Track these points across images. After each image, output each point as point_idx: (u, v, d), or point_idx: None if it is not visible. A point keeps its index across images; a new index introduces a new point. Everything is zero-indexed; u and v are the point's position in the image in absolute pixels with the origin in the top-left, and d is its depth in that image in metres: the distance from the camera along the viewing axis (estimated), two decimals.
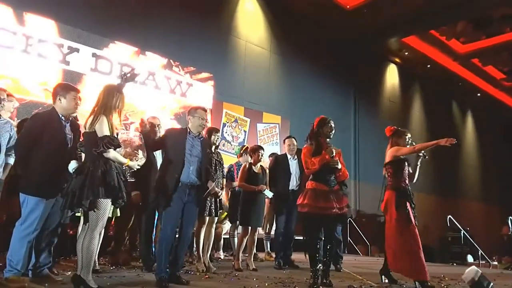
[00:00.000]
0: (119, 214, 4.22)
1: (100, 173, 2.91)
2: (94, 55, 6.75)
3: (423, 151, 4.16)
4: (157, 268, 3.51)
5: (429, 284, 3.79)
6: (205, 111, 3.93)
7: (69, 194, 2.91)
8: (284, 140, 5.71)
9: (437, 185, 13.24)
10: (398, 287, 3.97)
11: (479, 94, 15.74)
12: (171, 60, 7.80)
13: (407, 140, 4.21)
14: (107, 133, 3.01)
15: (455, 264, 7.54)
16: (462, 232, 8.47)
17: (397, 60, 13.71)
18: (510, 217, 9.15)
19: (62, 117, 3.32)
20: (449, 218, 8.07)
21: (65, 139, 3.29)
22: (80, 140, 3.58)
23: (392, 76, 13.82)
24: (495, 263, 8.71)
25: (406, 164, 4.17)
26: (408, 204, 3.97)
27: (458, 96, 15.99)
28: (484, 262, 8.13)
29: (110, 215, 4.05)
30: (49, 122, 3.26)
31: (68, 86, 3.51)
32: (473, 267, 3.77)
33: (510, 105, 16.77)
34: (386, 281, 4.10)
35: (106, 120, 3.06)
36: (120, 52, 7.13)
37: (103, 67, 6.87)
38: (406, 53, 13.10)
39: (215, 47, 9.03)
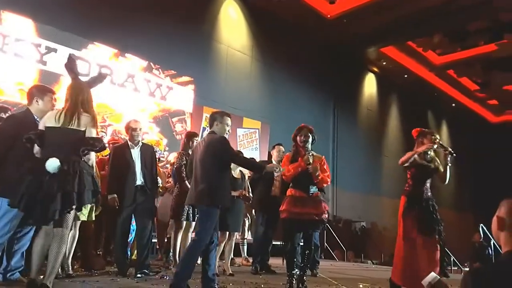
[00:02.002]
0: (94, 218, 4.14)
1: (88, 174, 2.89)
2: (71, 55, 6.64)
3: (449, 149, 3.89)
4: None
5: None
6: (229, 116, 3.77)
7: (70, 193, 2.76)
8: (274, 146, 5.73)
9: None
10: None
11: (453, 104, 16.21)
12: (151, 63, 7.76)
13: (433, 139, 3.90)
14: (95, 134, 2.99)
15: None
16: None
17: (376, 69, 14.00)
18: (481, 224, 9.42)
19: (37, 119, 3.27)
20: None
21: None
22: None
23: (370, 85, 14.09)
24: (467, 269, 8.94)
25: (428, 170, 3.88)
26: (417, 213, 3.74)
27: (433, 105, 16.43)
28: (456, 268, 8.34)
29: (85, 219, 3.98)
30: (24, 123, 3.20)
31: (44, 88, 3.48)
32: (432, 273, 3.71)
33: (482, 115, 17.33)
34: None
35: None
36: (99, 53, 7.05)
37: (81, 68, 6.74)
38: (384, 63, 13.40)
39: (197, 51, 9.04)
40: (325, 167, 4.05)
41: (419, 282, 3.68)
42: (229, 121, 3.67)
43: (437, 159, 4.02)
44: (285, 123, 8.84)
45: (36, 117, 3.26)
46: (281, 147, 5.55)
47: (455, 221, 15.63)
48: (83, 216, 3.92)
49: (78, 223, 3.95)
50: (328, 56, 12.01)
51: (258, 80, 10.47)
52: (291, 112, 10.26)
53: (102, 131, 6.77)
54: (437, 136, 3.98)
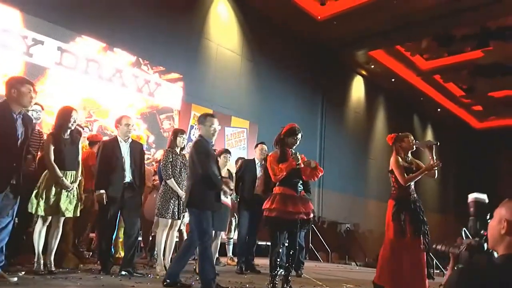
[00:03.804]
0: (78, 214, 4.07)
1: None
2: (59, 48, 6.54)
3: (431, 141, 3.98)
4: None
5: None
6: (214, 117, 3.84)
7: None
8: (257, 145, 5.75)
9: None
10: None
11: (439, 109, 16.45)
12: (140, 58, 7.68)
13: (411, 142, 3.99)
14: None
15: None
16: None
17: (364, 72, 14.12)
18: (464, 228, 9.54)
19: (14, 111, 3.22)
20: None
21: (15, 133, 3.21)
22: (35, 134, 3.56)
23: (358, 87, 14.21)
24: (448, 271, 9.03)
25: (411, 173, 3.91)
26: (406, 216, 3.78)
27: (419, 110, 16.65)
28: (438, 271, 8.46)
29: (71, 215, 3.91)
30: (0, 115, 3.18)
31: (23, 79, 3.45)
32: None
33: (467, 121, 17.62)
34: None
35: None
36: (86, 47, 6.94)
37: (68, 61, 6.66)
38: (373, 66, 13.52)
39: (186, 48, 8.97)
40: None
41: (405, 284, 3.73)
42: (213, 122, 3.71)
43: (416, 160, 4.07)
44: (273, 123, 8.82)
45: (12, 109, 3.22)
46: (264, 145, 5.57)
47: (438, 224, 15.87)
48: (69, 212, 3.86)
49: (62, 219, 3.89)
50: (317, 57, 12.06)
51: (248, 79, 10.46)
52: (279, 112, 10.27)
53: (87, 127, 6.68)
54: (412, 138, 4.04)
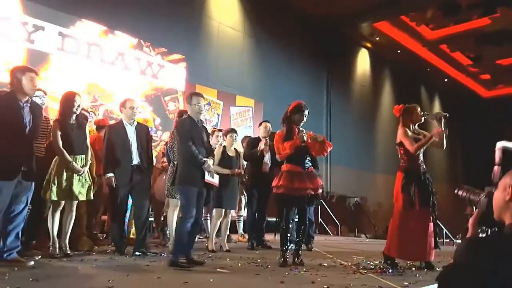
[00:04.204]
0: (92, 198, 4.12)
1: None
2: (60, 33, 6.50)
3: (441, 112, 3.99)
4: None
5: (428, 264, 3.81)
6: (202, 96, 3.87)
7: None
8: (260, 124, 5.76)
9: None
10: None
11: (446, 80, 16.21)
12: (141, 40, 7.62)
13: (419, 114, 3.98)
14: None
15: None
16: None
17: (369, 45, 13.89)
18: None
19: (21, 99, 3.26)
20: None
21: (23, 121, 3.27)
22: (44, 122, 3.61)
23: (363, 61, 14.01)
24: (459, 241, 9.14)
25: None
26: (415, 188, 3.81)
27: (426, 81, 16.41)
28: (448, 240, 8.52)
29: (84, 198, 3.97)
30: (7, 104, 3.25)
31: (24, 68, 3.49)
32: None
33: (474, 90, 17.38)
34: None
35: None
36: (87, 31, 6.90)
37: (70, 46, 6.64)
38: (378, 38, 13.28)
39: (187, 27, 8.86)
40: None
41: (414, 253, 3.81)
42: (198, 100, 3.78)
43: (423, 132, 4.05)
44: (278, 101, 8.78)
45: (19, 98, 3.27)
46: (267, 123, 5.57)
47: (447, 194, 15.90)
48: (82, 196, 3.92)
49: (75, 203, 3.95)
50: (321, 32, 11.86)
51: (251, 57, 10.35)
52: (284, 89, 10.19)
53: (93, 111, 6.70)
54: (419, 109, 4.02)
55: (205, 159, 3.68)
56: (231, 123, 9.00)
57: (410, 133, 3.94)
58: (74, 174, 3.84)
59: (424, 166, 3.98)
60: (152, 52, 7.79)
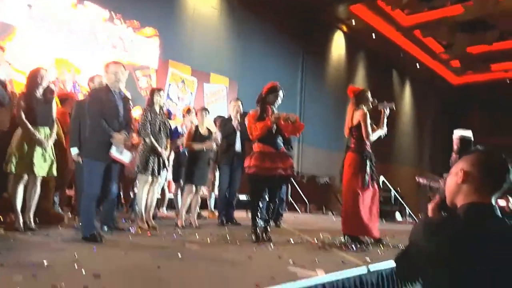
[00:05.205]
0: (55, 174, 4.03)
1: None
2: (28, 5, 6.19)
3: (386, 103, 4.19)
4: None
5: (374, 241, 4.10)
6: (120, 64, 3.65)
7: None
8: (230, 102, 5.76)
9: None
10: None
11: (418, 65, 16.53)
12: (112, 12, 7.35)
13: (369, 99, 4.19)
14: None
15: (384, 221, 8.16)
16: (392, 192, 9.15)
17: (345, 29, 13.93)
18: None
19: None
20: (382, 179, 8.64)
21: None
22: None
23: (338, 44, 14.07)
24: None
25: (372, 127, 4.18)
26: (368, 167, 4.10)
27: (398, 66, 16.69)
28: (411, 220, 8.86)
29: (45, 174, 3.88)
30: None
31: None
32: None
33: (444, 77, 17.82)
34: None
35: None
36: (56, 2, 6.60)
37: (37, 18, 6.34)
38: (354, 23, 13.34)
39: (161, 1, 8.61)
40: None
41: (368, 227, 4.07)
42: (115, 68, 3.53)
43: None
44: (253, 80, 8.74)
45: None
46: (238, 101, 5.57)
47: (413, 177, 16.46)
48: (42, 171, 3.83)
49: (39, 178, 3.87)
50: (298, 12, 11.79)
51: (227, 35, 10.19)
52: (259, 68, 10.13)
53: (59, 85, 6.49)
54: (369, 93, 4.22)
55: (114, 133, 3.43)
56: (204, 101, 8.92)
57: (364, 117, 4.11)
58: (37, 148, 3.76)
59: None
60: (123, 25, 7.54)
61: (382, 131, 4.21)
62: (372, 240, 4.15)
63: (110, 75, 3.53)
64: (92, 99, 3.57)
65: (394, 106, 4.18)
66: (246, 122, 4.26)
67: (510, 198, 5.91)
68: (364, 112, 4.12)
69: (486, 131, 14.62)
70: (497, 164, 1.34)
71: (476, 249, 1.20)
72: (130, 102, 3.95)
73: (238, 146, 5.42)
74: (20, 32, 6.13)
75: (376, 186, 4.20)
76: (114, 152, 3.46)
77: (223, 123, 5.63)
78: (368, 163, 4.09)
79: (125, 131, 3.55)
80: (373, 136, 4.13)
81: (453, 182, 1.38)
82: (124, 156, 3.56)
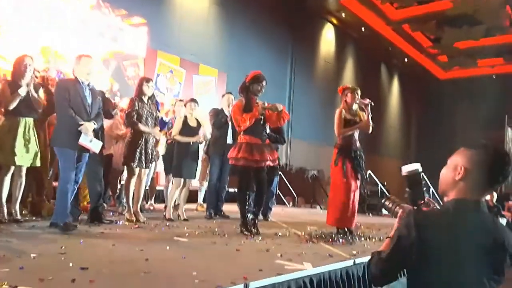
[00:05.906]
0: (38, 164, 3.97)
1: None
2: None
3: (368, 100, 4.27)
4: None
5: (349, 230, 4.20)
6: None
7: None
8: (223, 95, 5.71)
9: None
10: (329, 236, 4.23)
11: (406, 59, 16.66)
12: (100, 1, 7.21)
13: (354, 97, 4.31)
14: None
15: (370, 214, 8.27)
16: (379, 186, 9.25)
17: (334, 21, 13.93)
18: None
19: None
20: (369, 173, 8.72)
21: None
22: None
23: (328, 36, 14.07)
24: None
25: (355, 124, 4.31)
26: (348, 161, 4.18)
27: (387, 60, 16.80)
28: None
29: (29, 165, 3.83)
30: None
31: None
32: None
33: (432, 71, 17.99)
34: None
35: None
36: None
37: (23, 6, 6.17)
38: (343, 15, 13.35)
39: None
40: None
41: (350, 219, 4.20)
42: (87, 61, 3.66)
43: (361, 113, 4.36)
44: (242, 71, 8.63)
45: None
46: (230, 95, 5.55)
47: (400, 170, 16.65)
48: (23, 161, 3.78)
49: (24, 168, 3.81)
50: (289, 4, 11.74)
51: (216, 26, 10.11)
52: (249, 60, 10.07)
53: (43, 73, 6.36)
54: (358, 92, 4.35)
55: (82, 122, 3.53)
56: (193, 92, 8.85)
57: (344, 114, 4.27)
58: (18, 138, 3.70)
59: (358, 145, 4.34)
60: (111, 14, 7.41)
61: (367, 127, 4.28)
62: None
63: (81, 67, 3.61)
64: (59, 88, 3.64)
65: (369, 101, 4.24)
66: (231, 113, 4.24)
67: (494, 192, 6.05)
68: (340, 110, 4.30)
69: (472, 125, 14.86)
70: (499, 165, 1.32)
71: (458, 242, 1.26)
72: (107, 96, 4.17)
73: (229, 138, 5.39)
74: (5, 21, 5.98)
75: (357, 180, 4.24)
76: (82, 140, 3.55)
77: (215, 114, 5.60)
78: (348, 157, 4.18)
79: (94, 122, 3.65)
80: (344, 133, 4.24)
81: (450, 176, 1.38)
82: (93, 145, 3.63)
